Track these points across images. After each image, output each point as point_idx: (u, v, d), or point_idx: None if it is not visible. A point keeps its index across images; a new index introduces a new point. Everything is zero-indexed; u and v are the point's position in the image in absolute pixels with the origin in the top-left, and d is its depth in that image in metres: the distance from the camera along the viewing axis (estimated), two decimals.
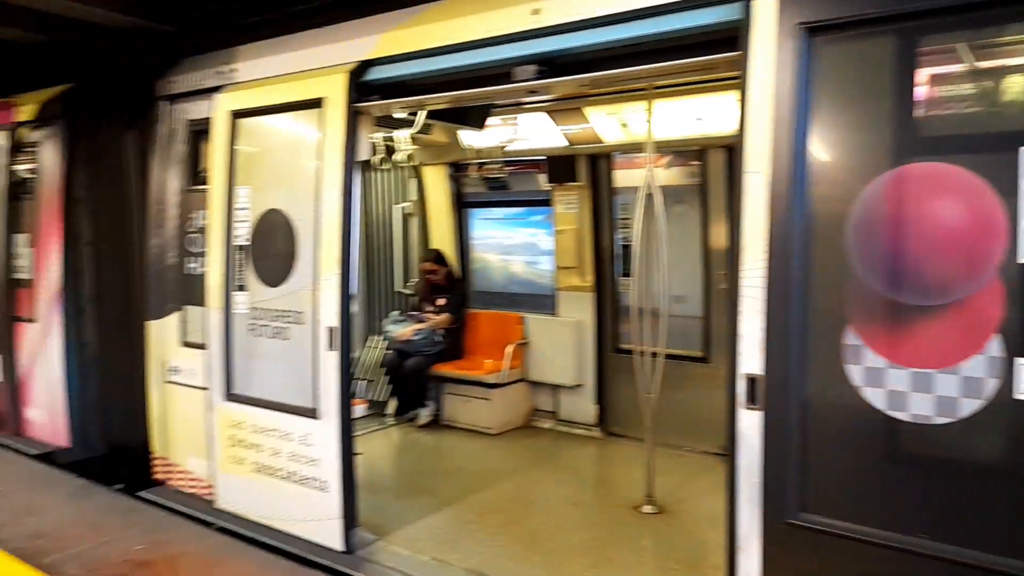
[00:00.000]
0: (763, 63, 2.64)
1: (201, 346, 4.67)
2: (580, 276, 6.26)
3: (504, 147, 6.21)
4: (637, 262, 4.56)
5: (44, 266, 5.83)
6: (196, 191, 4.89)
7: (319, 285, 3.98)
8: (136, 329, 5.27)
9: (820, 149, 2.59)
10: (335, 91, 3.96)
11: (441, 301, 6.69)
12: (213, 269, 4.56)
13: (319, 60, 4.17)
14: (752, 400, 2.67)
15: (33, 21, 5.00)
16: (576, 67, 3.40)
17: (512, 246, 7.20)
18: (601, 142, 5.77)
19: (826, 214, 2.55)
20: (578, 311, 6.30)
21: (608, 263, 6.27)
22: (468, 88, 3.76)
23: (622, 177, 6.13)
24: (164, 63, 5.09)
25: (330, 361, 3.94)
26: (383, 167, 6.42)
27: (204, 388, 4.66)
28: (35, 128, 5.96)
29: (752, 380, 2.66)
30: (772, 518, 2.63)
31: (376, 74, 3.97)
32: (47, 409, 5.90)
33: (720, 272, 5.57)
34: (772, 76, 2.62)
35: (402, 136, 5.84)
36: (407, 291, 7.18)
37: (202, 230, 4.76)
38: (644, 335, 4.53)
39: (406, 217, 7.16)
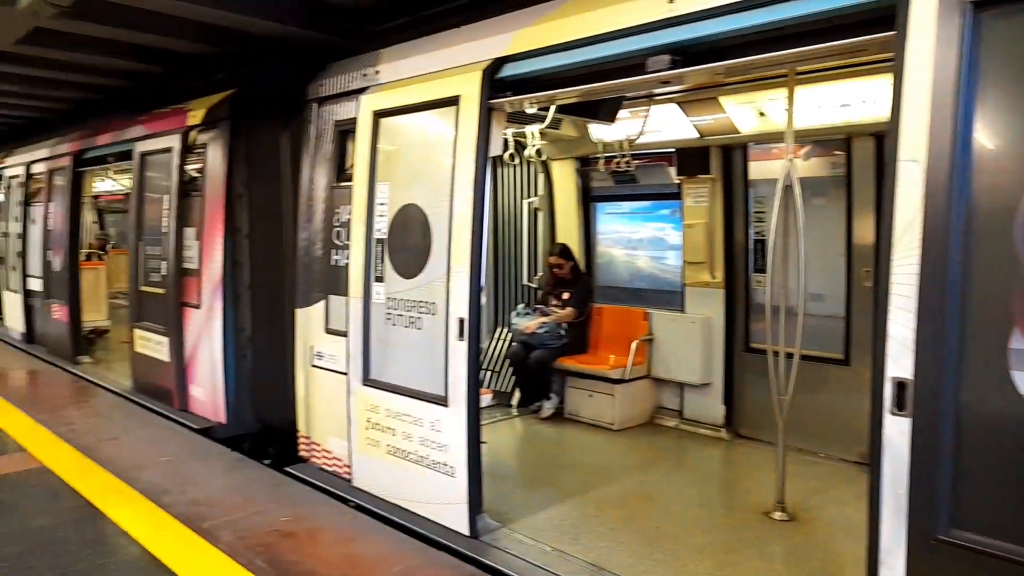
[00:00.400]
0: (921, 43, 2.44)
1: (343, 333, 4.88)
2: (710, 272, 6.07)
3: (633, 140, 6.13)
4: (772, 258, 4.36)
5: (208, 257, 6.31)
6: (342, 187, 5.12)
7: (451, 277, 4.09)
8: (286, 316, 5.63)
9: (986, 136, 2.37)
10: (471, 89, 4.05)
11: (566, 295, 6.71)
12: (355, 261, 4.77)
13: (455, 59, 4.28)
14: (899, 406, 2.48)
15: (204, 34, 5.47)
16: (711, 55, 3.27)
17: (638, 241, 7.10)
18: (736, 132, 5.55)
19: (992, 205, 2.33)
20: (707, 308, 6.11)
21: (740, 259, 6.03)
22: (600, 81, 3.73)
23: (757, 169, 5.88)
24: (315, 68, 5.39)
25: (460, 351, 4.04)
26: (512, 162, 6.52)
27: (344, 373, 4.89)
28: (202, 131, 6.47)
29: (900, 384, 2.48)
30: (919, 533, 2.44)
31: (510, 71, 4.02)
32: (208, 388, 6.37)
33: (864, 270, 5.22)
34: (931, 57, 2.41)
35: (532, 131, 5.91)
36: (533, 284, 7.26)
37: (346, 224, 4.99)
38: (778, 334, 4.34)
39: (534, 211, 7.24)
